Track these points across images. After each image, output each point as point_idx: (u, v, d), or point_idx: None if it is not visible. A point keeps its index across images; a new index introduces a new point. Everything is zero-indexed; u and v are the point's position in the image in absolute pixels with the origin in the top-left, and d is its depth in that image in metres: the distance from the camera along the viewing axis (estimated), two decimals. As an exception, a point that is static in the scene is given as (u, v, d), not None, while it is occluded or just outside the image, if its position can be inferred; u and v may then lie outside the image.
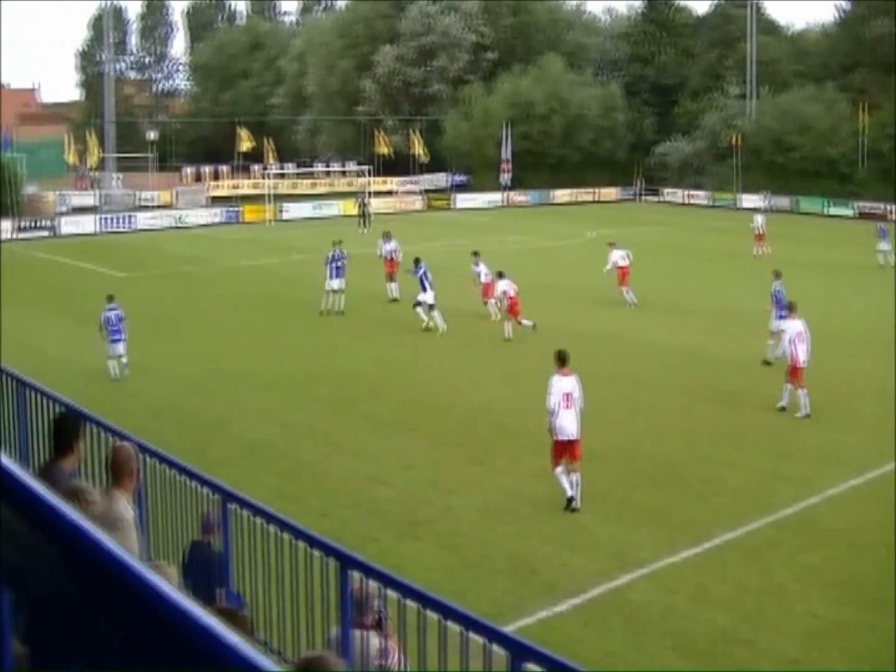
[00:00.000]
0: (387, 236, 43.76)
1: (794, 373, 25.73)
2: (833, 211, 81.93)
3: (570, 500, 19.51)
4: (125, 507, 9.37)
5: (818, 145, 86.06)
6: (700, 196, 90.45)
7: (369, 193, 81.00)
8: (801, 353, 25.60)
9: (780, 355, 27.01)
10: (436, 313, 36.57)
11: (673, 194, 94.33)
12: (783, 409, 26.02)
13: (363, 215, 70.94)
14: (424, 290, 37.14)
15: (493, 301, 37.92)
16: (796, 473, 21.45)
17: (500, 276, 36.76)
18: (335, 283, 39.64)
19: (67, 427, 10.14)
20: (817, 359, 26.39)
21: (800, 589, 16.17)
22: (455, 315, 37.03)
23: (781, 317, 29.39)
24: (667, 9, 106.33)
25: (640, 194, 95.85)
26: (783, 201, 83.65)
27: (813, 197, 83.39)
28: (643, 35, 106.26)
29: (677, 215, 77.41)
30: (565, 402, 19.55)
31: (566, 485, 19.56)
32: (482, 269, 39.54)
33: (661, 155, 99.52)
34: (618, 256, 41.68)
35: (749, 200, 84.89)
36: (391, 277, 42.35)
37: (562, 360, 20.03)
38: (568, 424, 19.56)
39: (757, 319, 33.59)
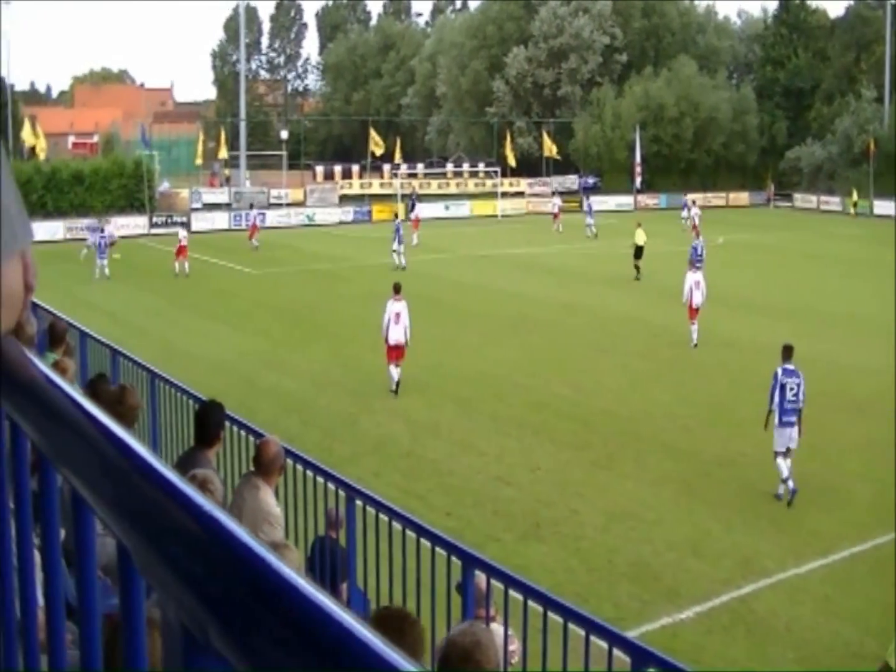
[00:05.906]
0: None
1: (690, 311, 33.85)
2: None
3: (397, 384, 27.56)
4: (275, 501, 9.47)
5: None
6: (833, 202, 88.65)
7: (501, 194, 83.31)
8: (696, 298, 33.85)
9: (684, 300, 34.24)
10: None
11: (807, 200, 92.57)
12: (695, 345, 33.36)
13: (411, 210, 72.85)
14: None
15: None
16: (929, 486, 20.97)
17: (183, 226, 51.23)
18: None
19: (213, 416, 10.20)
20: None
21: (929, 605, 15.81)
22: (574, 315, 36.88)
23: (697, 268, 37.40)
24: (800, 11, 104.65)
25: (772, 199, 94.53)
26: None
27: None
28: (776, 37, 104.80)
29: (809, 221, 76.15)
30: (395, 319, 27.38)
31: (394, 375, 27.56)
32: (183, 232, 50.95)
33: (793, 160, 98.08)
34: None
35: (883, 207, 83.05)
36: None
37: (396, 289, 27.66)
38: (396, 334, 27.41)
39: (886, 326, 33.00)
